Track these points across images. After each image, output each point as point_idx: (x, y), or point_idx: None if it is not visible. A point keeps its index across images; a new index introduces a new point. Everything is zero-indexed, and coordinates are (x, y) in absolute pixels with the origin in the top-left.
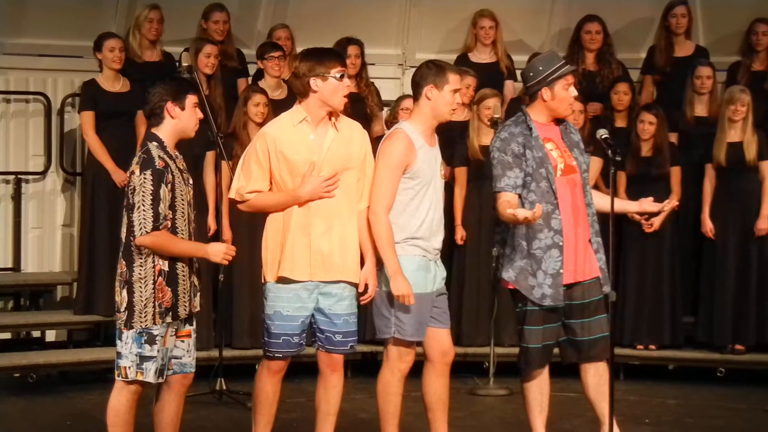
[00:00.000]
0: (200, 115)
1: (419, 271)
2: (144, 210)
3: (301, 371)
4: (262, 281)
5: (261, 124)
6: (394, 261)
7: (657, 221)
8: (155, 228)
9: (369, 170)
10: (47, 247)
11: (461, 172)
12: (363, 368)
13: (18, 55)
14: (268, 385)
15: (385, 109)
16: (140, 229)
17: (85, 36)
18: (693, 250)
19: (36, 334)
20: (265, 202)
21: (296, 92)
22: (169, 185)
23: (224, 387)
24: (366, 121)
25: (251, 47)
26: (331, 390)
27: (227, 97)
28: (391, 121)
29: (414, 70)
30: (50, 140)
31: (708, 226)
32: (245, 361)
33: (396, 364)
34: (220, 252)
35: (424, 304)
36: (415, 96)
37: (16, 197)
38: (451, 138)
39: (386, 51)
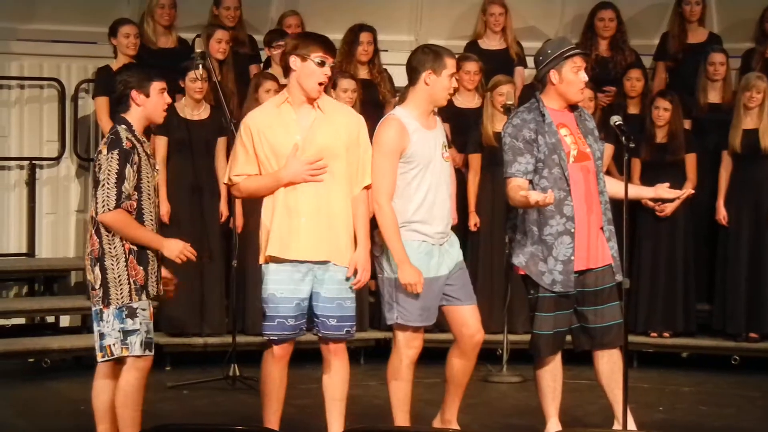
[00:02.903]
0: (168, 100)
1: (420, 256)
2: (108, 188)
3: (313, 358)
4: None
5: None
6: (400, 249)
7: (670, 208)
8: (117, 206)
9: (363, 153)
10: (61, 233)
11: (475, 159)
12: (377, 354)
13: (32, 41)
14: (274, 371)
15: (398, 96)
16: (103, 206)
17: (98, 22)
18: (707, 238)
19: (50, 319)
20: (252, 185)
21: (282, 69)
22: (135, 166)
23: (237, 373)
24: (378, 107)
25: (263, 33)
26: (334, 376)
27: (239, 82)
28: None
29: None
30: (64, 126)
31: (722, 213)
32: (258, 347)
33: (404, 350)
34: (176, 249)
35: (428, 289)
36: (412, 81)
37: (31, 183)
38: (465, 124)
39: (399, 37)
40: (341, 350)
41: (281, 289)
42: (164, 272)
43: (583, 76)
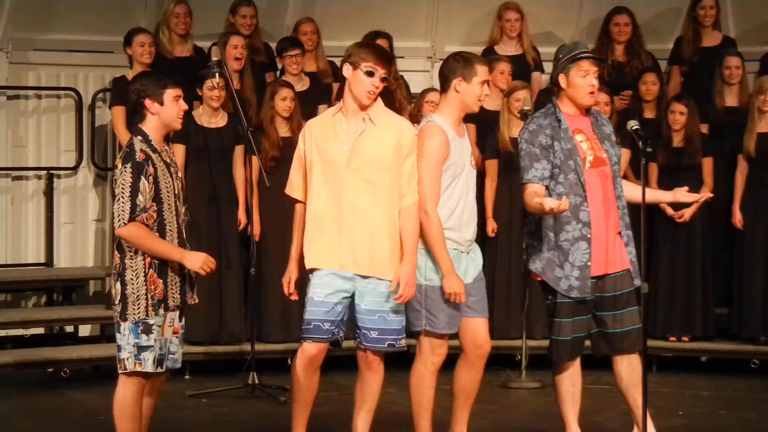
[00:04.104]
0: (184, 107)
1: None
2: (123, 201)
3: (335, 365)
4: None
5: (288, 119)
6: (446, 259)
7: (688, 212)
8: (132, 219)
9: (412, 168)
10: (79, 242)
11: (492, 165)
12: (396, 361)
13: (49, 50)
14: (302, 374)
15: (413, 102)
16: (119, 220)
17: (115, 31)
18: (725, 241)
19: (69, 328)
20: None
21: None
22: (150, 177)
23: (257, 381)
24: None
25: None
26: (366, 387)
27: (256, 91)
28: (415, 114)
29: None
30: (81, 135)
31: (737, 216)
32: (277, 355)
33: (429, 357)
34: (198, 261)
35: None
36: (443, 88)
37: (48, 192)
38: (485, 129)
39: (415, 44)
40: (377, 363)
41: (320, 293)
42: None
43: (591, 80)
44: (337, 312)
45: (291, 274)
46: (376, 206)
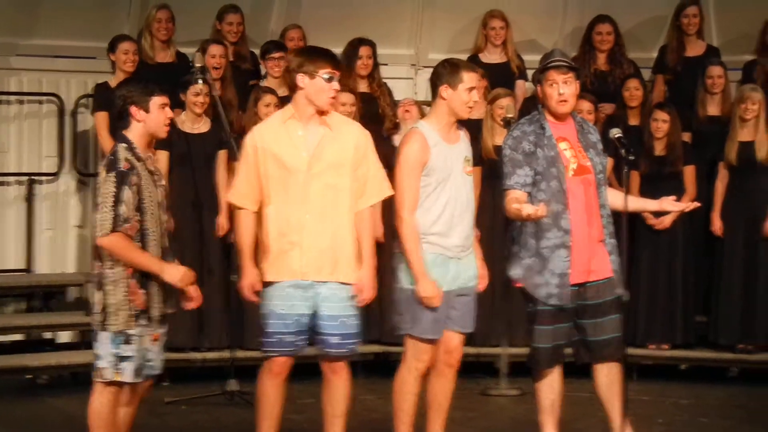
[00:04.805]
0: (170, 115)
1: (434, 268)
2: (105, 211)
3: (311, 372)
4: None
5: None
6: (419, 263)
7: (668, 219)
8: (114, 230)
9: (372, 170)
10: (60, 249)
11: (475, 172)
12: (375, 369)
13: (31, 56)
14: (270, 387)
15: (397, 108)
16: (100, 229)
17: (98, 37)
18: (705, 249)
19: (48, 335)
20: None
21: (287, 86)
22: (135, 187)
23: (237, 388)
24: (378, 121)
25: None
26: (334, 394)
27: (240, 97)
28: (395, 120)
29: (426, 70)
30: (63, 141)
31: (717, 224)
32: (258, 362)
33: (412, 362)
34: (176, 275)
35: (441, 302)
36: (432, 95)
37: (29, 198)
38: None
39: (399, 51)
40: (342, 367)
41: (282, 305)
42: (192, 290)
43: (559, 89)
44: (300, 324)
45: (254, 280)
46: (338, 210)
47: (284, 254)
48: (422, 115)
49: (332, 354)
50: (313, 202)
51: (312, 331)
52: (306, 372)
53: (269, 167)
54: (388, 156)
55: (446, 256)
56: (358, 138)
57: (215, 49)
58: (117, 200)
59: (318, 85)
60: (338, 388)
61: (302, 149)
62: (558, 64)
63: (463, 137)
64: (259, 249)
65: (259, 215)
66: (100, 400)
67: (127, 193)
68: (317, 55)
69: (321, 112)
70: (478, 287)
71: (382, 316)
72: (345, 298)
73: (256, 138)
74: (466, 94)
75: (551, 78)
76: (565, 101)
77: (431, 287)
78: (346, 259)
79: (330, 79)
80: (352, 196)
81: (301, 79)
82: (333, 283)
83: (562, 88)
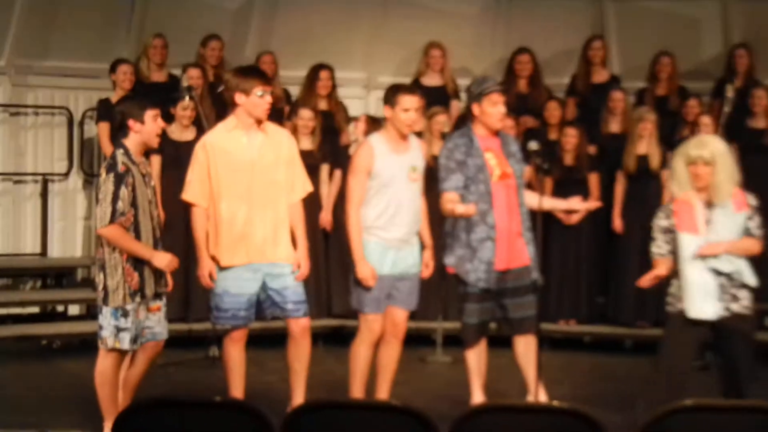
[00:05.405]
0: (162, 125)
1: (373, 254)
2: (104, 207)
3: (279, 341)
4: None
5: None
6: (358, 250)
7: (576, 217)
8: (111, 222)
9: (297, 169)
10: (70, 236)
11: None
12: (333, 340)
13: (45, 75)
14: (233, 351)
15: (351, 123)
16: (100, 221)
17: (101, 59)
18: (606, 243)
19: (60, 308)
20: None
21: (226, 101)
22: (130, 187)
23: (217, 354)
24: (335, 133)
25: None
26: (301, 351)
27: (218, 112)
28: (353, 132)
29: (376, 91)
30: (72, 147)
31: (617, 223)
32: None
33: (364, 332)
34: (163, 261)
35: (380, 283)
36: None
37: (44, 194)
38: None
39: (353, 75)
40: (307, 329)
41: (234, 286)
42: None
43: (500, 109)
44: (251, 302)
45: (211, 268)
46: (277, 202)
47: (235, 242)
48: (374, 129)
49: (292, 316)
50: (256, 196)
51: (271, 302)
52: (274, 341)
53: (219, 169)
54: (344, 163)
55: (386, 246)
56: (288, 142)
57: (193, 72)
58: (115, 197)
59: (253, 101)
60: (304, 346)
61: (247, 153)
62: (499, 89)
63: (414, 149)
64: (210, 239)
65: (208, 211)
66: (103, 363)
67: (124, 192)
68: (250, 76)
69: (258, 122)
70: (423, 274)
71: (340, 294)
72: (288, 274)
73: (207, 145)
74: (403, 113)
75: (494, 99)
76: (502, 119)
77: (367, 269)
78: (285, 242)
79: (263, 95)
80: (286, 191)
81: (239, 97)
82: (278, 263)
83: (501, 108)
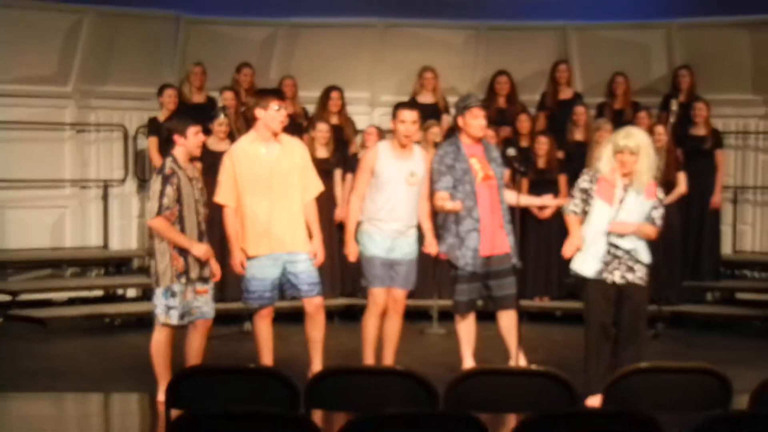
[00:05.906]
0: (203, 139)
1: (371, 239)
2: (153, 202)
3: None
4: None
5: None
6: (350, 231)
7: (548, 212)
8: (158, 215)
9: (310, 173)
10: (126, 232)
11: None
12: (345, 316)
13: (105, 98)
14: (262, 326)
15: (358, 135)
16: (149, 215)
17: (151, 84)
18: None
19: (120, 291)
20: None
21: (248, 118)
22: (175, 186)
23: (249, 328)
24: (345, 143)
25: None
26: (316, 324)
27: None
28: (361, 143)
29: (379, 108)
30: (127, 158)
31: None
32: None
33: (371, 305)
34: (200, 250)
35: (380, 264)
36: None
37: (105, 197)
38: None
39: (359, 94)
40: (321, 307)
41: (260, 272)
42: (214, 266)
43: (481, 121)
44: (274, 285)
45: (242, 258)
46: (293, 201)
47: (259, 236)
48: (382, 137)
49: (308, 296)
50: (275, 197)
51: (290, 284)
52: (297, 318)
53: (243, 175)
54: (354, 168)
55: (384, 235)
56: (300, 150)
57: (228, 94)
58: (161, 195)
59: (271, 114)
60: (319, 321)
61: (266, 161)
62: (479, 104)
63: (416, 158)
64: (240, 233)
65: (237, 210)
66: (157, 338)
67: (169, 190)
68: (267, 94)
69: (275, 134)
70: (430, 252)
71: (351, 277)
72: (305, 261)
73: (233, 155)
74: (400, 124)
75: (475, 113)
76: (484, 128)
77: (352, 248)
78: (301, 235)
79: (279, 109)
80: (300, 192)
81: (259, 112)
82: (295, 253)
83: (482, 120)
